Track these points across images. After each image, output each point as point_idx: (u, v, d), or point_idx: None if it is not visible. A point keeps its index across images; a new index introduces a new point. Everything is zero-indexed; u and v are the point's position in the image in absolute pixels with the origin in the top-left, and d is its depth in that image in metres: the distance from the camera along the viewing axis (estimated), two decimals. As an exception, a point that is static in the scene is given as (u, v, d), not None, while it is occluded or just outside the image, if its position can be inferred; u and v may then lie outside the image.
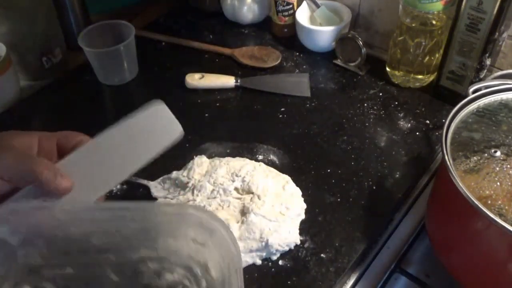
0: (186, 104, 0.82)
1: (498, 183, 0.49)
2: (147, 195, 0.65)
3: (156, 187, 0.66)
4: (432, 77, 0.80)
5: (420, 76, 0.80)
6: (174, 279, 0.41)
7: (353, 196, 0.65)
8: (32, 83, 0.89)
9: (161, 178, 0.67)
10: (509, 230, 0.43)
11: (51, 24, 0.89)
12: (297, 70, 0.88)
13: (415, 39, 0.75)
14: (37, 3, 0.85)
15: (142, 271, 0.41)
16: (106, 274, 0.42)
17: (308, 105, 0.80)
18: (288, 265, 0.58)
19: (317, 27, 0.87)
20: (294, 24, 0.91)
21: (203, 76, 0.84)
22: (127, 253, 0.41)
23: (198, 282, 0.41)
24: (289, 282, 0.56)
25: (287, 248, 0.59)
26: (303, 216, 0.63)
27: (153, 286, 0.42)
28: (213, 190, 0.62)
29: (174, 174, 0.66)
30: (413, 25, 0.74)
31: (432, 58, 0.77)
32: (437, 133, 0.74)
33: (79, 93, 0.86)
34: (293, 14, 0.90)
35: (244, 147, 0.73)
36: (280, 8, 0.91)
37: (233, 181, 0.63)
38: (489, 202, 0.48)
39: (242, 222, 0.58)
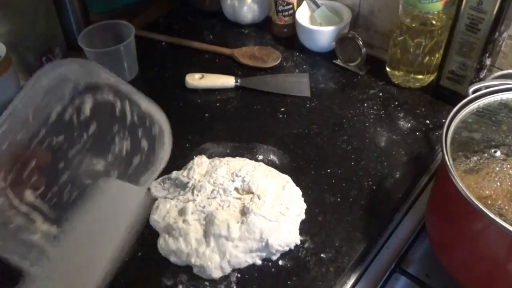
0: (186, 104, 0.82)
1: (498, 183, 0.49)
2: (147, 195, 0.65)
3: (156, 187, 0.66)
4: (432, 77, 0.80)
5: (420, 76, 0.80)
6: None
7: (353, 196, 0.65)
8: (32, 83, 0.89)
9: (161, 178, 0.67)
10: (509, 230, 0.43)
11: (51, 24, 0.89)
12: (297, 70, 0.88)
13: (415, 39, 0.75)
14: (37, 3, 0.85)
15: None
16: None
17: (308, 105, 0.80)
18: (288, 265, 0.58)
19: (317, 27, 0.87)
20: (294, 24, 0.91)
21: (203, 76, 0.84)
22: None
23: None
24: (289, 282, 0.56)
25: (287, 248, 0.59)
26: (303, 216, 0.63)
27: None
28: (213, 190, 0.62)
29: (174, 174, 0.66)
30: (413, 25, 0.74)
31: (432, 58, 0.77)
32: (437, 133, 0.74)
33: (79, 93, 0.86)
34: (293, 14, 0.91)
35: (244, 147, 0.73)
36: (280, 8, 0.91)
37: (233, 181, 0.63)
38: (489, 202, 0.48)
39: (242, 222, 0.58)
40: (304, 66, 0.88)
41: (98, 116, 0.61)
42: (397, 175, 0.68)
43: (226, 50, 0.92)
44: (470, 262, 0.53)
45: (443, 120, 0.67)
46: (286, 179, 0.66)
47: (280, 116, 0.79)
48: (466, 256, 0.53)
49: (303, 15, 0.90)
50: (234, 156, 0.70)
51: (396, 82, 0.82)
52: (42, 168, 0.55)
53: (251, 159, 0.69)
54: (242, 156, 0.71)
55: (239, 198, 0.62)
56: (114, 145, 0.62)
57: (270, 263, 0.59)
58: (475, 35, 0.68)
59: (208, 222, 0.59)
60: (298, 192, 0.64)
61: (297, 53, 0.91)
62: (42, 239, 0.53)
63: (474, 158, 0.51)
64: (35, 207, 0.55)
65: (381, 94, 0.81)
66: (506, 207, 0.47)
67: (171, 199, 0.63)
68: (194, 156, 0.68)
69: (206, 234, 0.58)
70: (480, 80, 0.73)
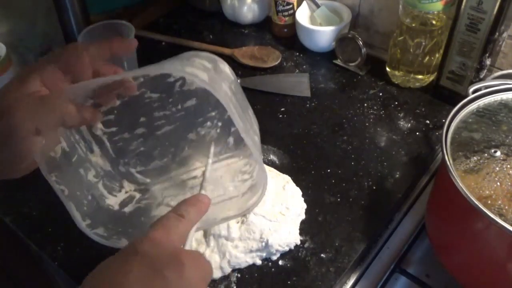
0: (186, 104, 0.82)
1: (498, 183, 0.49)
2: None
3: (156, 187, 0.66)
4: (432, 77, 0.80)
5: (420, 76, 0.80)
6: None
7: (353, 196, 0.65)
8: (32, 83, 0.89)
9: (161, 178, 0.67)
10: (509, 230, 0.43)
11: (51, 24, 0.89)
12: (297, 70, 0.88)
13: (415, 39, 0.75)
14: (37, 3, 0.85)
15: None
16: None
17: (308, 105, 0.80)
18: (288, 265, 0.58)
19: (317, 27, 0.87)
20: (294, 24, 0.91)
21: (203, 76, 0.84)
22: None
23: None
24: (289, 282, 0.56)
25: (287, 248, 0.59)
26: (303, 216, 0.63)
27: None
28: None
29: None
30: (413, 25, 0.74)
31: (432, 58, 0.77)
32: (437, 133, 0.74)
33: (79, 93, 0.86)
34: (293, 14, 0.91)
35: (244, 147, 0.73)
36: (280, 8, 0.91)
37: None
38: (489, 202, 0.48)
39: (242, 222, 0.58)
40: (304, 66, 0.88)
41: (201, 94, 0.56)
42: (397, 175, 0.68)
43: (226, 50, 0.92)
44: (470, 262, 0.53)
45: (443, 120, 0.67)
46: (286, 179, 0.66)
47: (280, 116, 0.79)
48: (466, 256, 0.53)
49: (303, 15, 0.90)
50: (234, 156, 0.70)
51: (396, 82, 0.82)
52: (121, 112, 0.52)
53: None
54: (242, 156, 0.71)
55: (239, 198, 0.62)
56: (202, 127, 0.58)
57: (270, 263, 0.59)
58: (475, 35, 0.68)
59: (208, 222, 0.59)
60: (298, 192, 0.64)
61: (297, 53, 0.91)
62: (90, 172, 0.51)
63: (474, 158, 0.51)
64: (99, 141, 0.53)
65: (381, 94, 0.81)
66: (506, 207, 0.47)
67: (171, 199, 0.63)
68: (194, 156, 0.68)
69: (206, 234, 0.58)
70: (480, 80, 0.73)
